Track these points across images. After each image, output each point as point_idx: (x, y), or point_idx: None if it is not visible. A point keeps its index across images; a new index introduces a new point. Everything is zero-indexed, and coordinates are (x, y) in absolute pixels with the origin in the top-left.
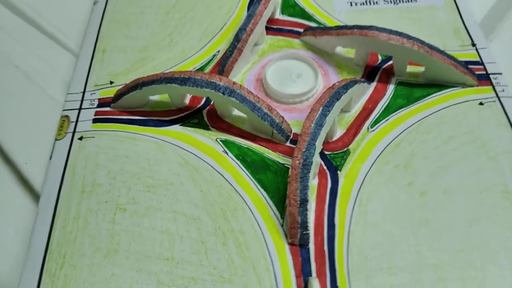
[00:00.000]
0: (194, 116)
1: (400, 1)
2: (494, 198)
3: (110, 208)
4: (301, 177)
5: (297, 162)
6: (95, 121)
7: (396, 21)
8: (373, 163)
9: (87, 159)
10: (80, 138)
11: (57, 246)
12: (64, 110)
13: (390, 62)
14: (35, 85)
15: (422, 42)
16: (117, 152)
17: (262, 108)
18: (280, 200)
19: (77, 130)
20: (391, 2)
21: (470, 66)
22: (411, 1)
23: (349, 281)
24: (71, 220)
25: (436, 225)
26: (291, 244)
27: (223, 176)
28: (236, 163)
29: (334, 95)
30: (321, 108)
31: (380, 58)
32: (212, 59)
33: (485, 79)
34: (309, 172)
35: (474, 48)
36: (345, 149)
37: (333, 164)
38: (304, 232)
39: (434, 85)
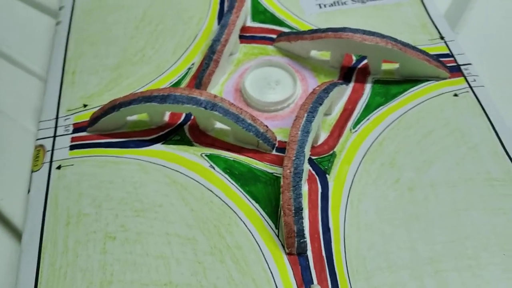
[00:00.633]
0: (176, 133)
1: (367, 0)
2: (479, 186)
3: (99, 238)
4: (293, 185)
5: (288, 171)
6: (72, 147)
7: (365, 20)
8: (359, 164)
9: (69, 188)
10: (59, 167)
11: (47, 284)
12: (37, 139)
13: (365, 62)
14: (3, 116)
15: (395, 40)
16: (100, 178)
17: (246, 119)
18: (273, 210)
19: (54, 159)
20: (358, 1)
21: (441, 59)
22: None
23: (350, 284)
24: (60, 255)
25: (427, 218)
26: (289, 254)
27: (212, 192)
28: (224, 177)
29: (316, 100)
30: (305, 115)
31: (354, 58)
32: (187, 72)
33: (456, 70)
34: (301, 180)
35: (443, 41)
36: (331, 152)
37: (321, 168)
38: (301, 241)
39: (409, 80)
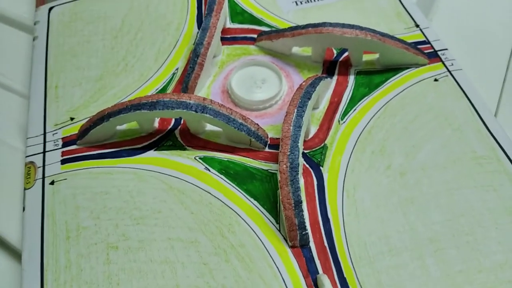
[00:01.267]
0: (167, 138)
1: None
2: (467, 166)
3: (101, 249)
4: (291, 180)
5: (285, 166)
6: (63, 162)
7: (342, 13)
8: (351, 154)
9: (64, 203)
10: (52, 183)
11: None
12: (27, 156)
13: (346, 54)
14: None
15: (373, 31)
16: (95, 190)
17: (237, 119)
18: (272, 206)
19: (46, 175)
20: None
21: (418, 46)
22: None
23: (354, 270)
24: (63, 270)
25: (421, 201)
26: (292, 247)
27: (210, 194)
28: (221, 178)
29: (304, 95)
30: (295, 110)
31: (335, 52)
32: (172, 77)
33: (434, 56)
34: (298, 174)
35: (418, 29)
36: (322, 144)
37: (314, 161)
38: (303, 233)
39: (390, 69)
